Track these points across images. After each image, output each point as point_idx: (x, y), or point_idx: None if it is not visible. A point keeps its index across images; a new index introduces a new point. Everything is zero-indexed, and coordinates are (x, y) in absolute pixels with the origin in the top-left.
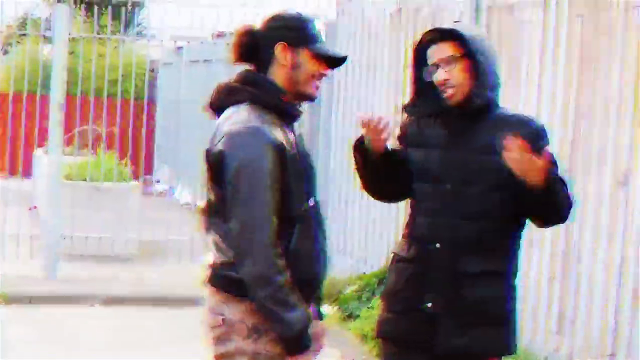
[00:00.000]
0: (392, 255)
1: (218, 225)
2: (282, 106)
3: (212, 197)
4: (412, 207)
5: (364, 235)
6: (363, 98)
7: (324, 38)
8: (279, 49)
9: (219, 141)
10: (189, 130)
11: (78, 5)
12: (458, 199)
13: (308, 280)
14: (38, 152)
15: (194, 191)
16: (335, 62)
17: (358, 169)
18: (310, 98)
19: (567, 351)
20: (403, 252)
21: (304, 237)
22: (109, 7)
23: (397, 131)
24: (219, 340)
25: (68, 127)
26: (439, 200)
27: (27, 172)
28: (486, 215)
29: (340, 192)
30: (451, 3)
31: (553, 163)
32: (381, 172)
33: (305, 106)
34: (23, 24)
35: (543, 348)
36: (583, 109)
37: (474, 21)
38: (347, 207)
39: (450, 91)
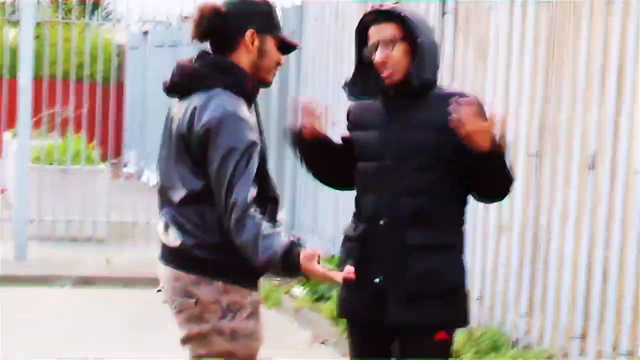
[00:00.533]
0: (342, 236)
1: (193, 209)
2: (250, 92)
3: (189, 182)
4: (357, 186)
5: (334, 216)
6: (331, 82)
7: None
8: (248, 35)
9: (203, 125)
10: (156, 114)
11: None
12: (397, 175)
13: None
14: (6, 136)
15: None
16: (287, 49)
17: (300, 158)
18: (268, 85)
19: (537, 333)
20: (351, 232)
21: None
22: None
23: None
24: (190, 320)
25: (36, 111)
26: (381, 177)
27: None
28: (425, 190)
29: None
30: None
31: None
32: (321, 160)
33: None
34: None
35: (514, 330)
36: (550, 93)
37: (441, 6)
38: (317, 188)
39: (387, 72)
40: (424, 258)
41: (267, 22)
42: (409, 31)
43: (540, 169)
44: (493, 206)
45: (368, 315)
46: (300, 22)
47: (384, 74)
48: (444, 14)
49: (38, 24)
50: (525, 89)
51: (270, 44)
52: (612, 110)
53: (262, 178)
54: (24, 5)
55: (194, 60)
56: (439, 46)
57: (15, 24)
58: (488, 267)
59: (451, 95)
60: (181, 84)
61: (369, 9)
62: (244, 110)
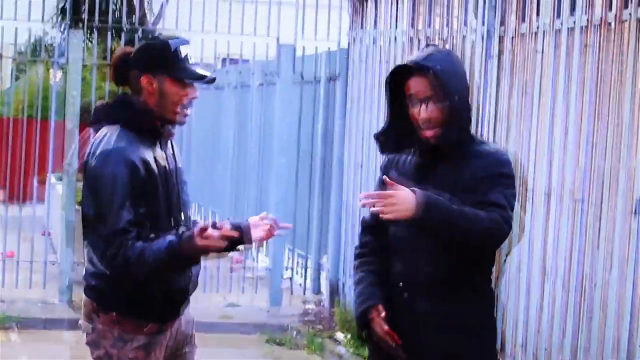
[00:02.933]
0: None
1: (88, 236)
2: (152, 128)
3: (85, 208)
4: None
5: None
6: (375, 124)
7: (191, 60)
8: (144, 80)
9: (94, 158)
10: (201, 155)
11: (90, 31)
12: (417, 239)
13: (173, 292)
14: (52, 179)
15: None
16: (201, 79)
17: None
18: (175, 123)
19: None
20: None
21: None
22: (122, 34)
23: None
24: (92, 344)
25: (80, 154)
26: (404, 241)
27: (30, 198)
28: (442, 257)
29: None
30: (462, 32)
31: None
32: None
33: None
34: (34, 50)
35: None
36: (595, 138)
37: (487, 51)
38: None
39: (429, 131)
40: (442, 337)
41: (159, 64)
42: (442, 87)
43: (586, 214)
44: (537, 251)
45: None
46: (346, 64)
47: (428, 132)
48: (488, 57)
49: (85, 66)
50: (570, 133)
51: (169, 85)
52: None
53: (159, 210)
54: (71, 47)
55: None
56: (471, 95)
57: (64, 67)
58: (532, 314)
59: (481, 152)
60: (94, 120)
61: (405, 60)
62: (131, 145)
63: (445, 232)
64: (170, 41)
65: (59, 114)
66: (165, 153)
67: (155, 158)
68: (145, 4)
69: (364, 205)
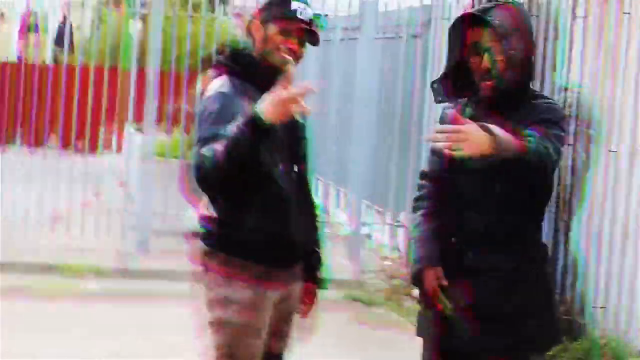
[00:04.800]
0: None
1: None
2: (260, 75)
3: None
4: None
5: None
6: None
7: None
8: (252, 27)
9: (198, 102)
10: None
11: None
12: (468, 189)
13: (274, 234)
14: (130, 129)
15: None
16: (313, 41)
17: None
18: (278, 67)
19: None
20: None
21: (270, 195)
22: None
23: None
24: (202, 288)
25: (161, 105)
26: (455, 191)
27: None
28: (490, 206)
29: None
30: None
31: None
32: None
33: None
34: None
35: (639, 339)
36: None
37: (573, 11)
38: None
39: (486, 82)
40: (488, 281)
41: (266, 12)
42: (501, 42)
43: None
44: (620, 212)
45: (440, 337)
46: (428, 21)
47: (484, 83)
48: (574, 18)
49: (166, 17)
50: None
51: (273, 30)
52: None
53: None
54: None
55: None
56: (536, 47)
57: (144, 17)
58: (613, 275)
59: (536, 105)
60: (208, 69)
61: (466, 11)
62: (233, 92)
63: (509, 161)
64: None
65: (140, 63)
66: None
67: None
68: None
69: (435, 141)
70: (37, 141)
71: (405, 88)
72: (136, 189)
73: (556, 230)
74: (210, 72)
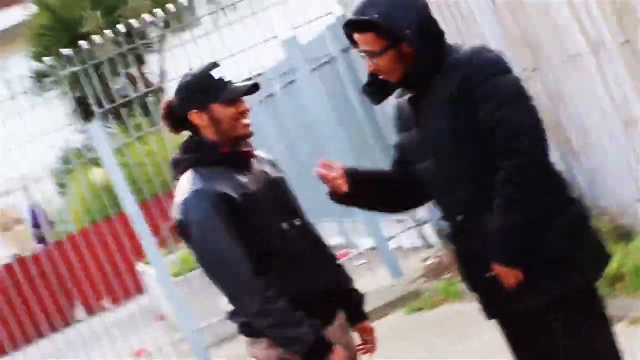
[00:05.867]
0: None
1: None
2: (224, 158)
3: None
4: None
5: None
6: None
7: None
8: (193, 117)
9: (176, 212)
10: None
11: (105, 118)
12: (442, 172)
13: (304, 295)
14: (139, 267)
15: None
16: (254, 90)
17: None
18: (244, 137)
19: None
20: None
21: (286, 259)
22: (137, 105)
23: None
24: None
25: (155, 231)
26: (430, 177)
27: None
28: (473, 176)
29: None
30: None
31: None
32: (370, 200)
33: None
34: (66, 160)
35: None
36: None
37: None
38: None
39: (385, 77)
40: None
41: (205, 94)
42: (390, 37)
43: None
44: None
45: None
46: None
47: (390, 76)
48: None
49: (118, 150)
50: None
51: (219, 110)
52: None
53: (256, 232)
54: (97, 140)
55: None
56: (429, 11)
57: (96, 162)
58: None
59: (459, 60)
60: (172, 177)
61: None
62: (208, 182)
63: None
64: (202, 70)
65: (116, 207)
66: (253, 173)
67: (241, 184)
68: (142, 69)
69: None
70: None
71: (361, 99)
72: (176, 317)
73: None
74: (175, 174)
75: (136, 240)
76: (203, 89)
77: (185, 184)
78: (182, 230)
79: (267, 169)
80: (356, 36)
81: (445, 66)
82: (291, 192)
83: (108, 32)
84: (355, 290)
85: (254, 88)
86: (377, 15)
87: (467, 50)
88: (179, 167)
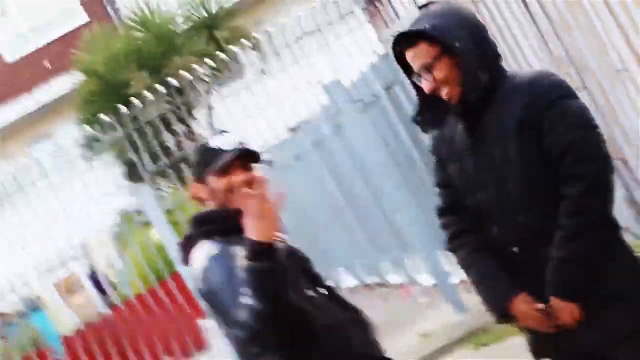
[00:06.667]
0: None
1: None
2: (235, 228)
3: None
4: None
5: None
6: None
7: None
8: (195, 191)
9: (198, 283)
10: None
11: (160, 178)
12: (503, 200)
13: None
14: (203, 323)
15: None
16: (252, 158)
17: None
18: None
19: None
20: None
21: (315, 327)
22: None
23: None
24: None
25: None
26: (490, 207)
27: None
28: (536, 204)
29: None
30: None
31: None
32: None
33: None
34: (122, 224)
35: None
36: None
37: None
38: None
39: (445, 93)
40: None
41: (197, 170)
42: (444, 45)
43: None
44: None
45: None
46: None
47: (445, 96)
48: None
49: (168, 212)
50: None
51: (214, 182)
52: None
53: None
54: (146, 202)
55: None
56: (485, 33)
57: (147, 224)
58: None
59: (522, 83)
60: (183, 257)
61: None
62: (225, 248)
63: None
64: (203, 142)
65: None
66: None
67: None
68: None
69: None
70: None
71: (410, 134)
72: None
73: None
74: (186, 253)
75: (192, 298)
76: (200, 160)
77: (204, 253)
78: (207, 299)
79: (285, 239)
80: (408, 55)
81: (504, 90)
82: (307, 258)
83: (159, 86)
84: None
85: (253, 155)
86: (427, 26)
87: (528, 73)
88: (190, 242)
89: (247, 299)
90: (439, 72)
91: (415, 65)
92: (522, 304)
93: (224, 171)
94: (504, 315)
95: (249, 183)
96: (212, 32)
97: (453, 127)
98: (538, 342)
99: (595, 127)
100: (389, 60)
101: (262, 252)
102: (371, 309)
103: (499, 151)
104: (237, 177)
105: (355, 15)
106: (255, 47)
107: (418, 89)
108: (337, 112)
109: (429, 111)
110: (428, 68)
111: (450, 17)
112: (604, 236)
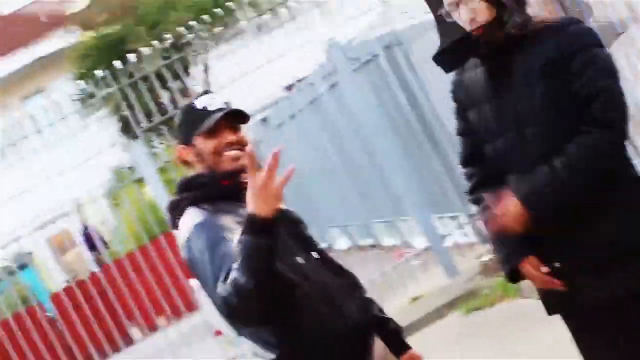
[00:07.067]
0: None
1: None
2: (226, 192)
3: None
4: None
5: None
6: None
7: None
8: (181, 154)
9: (183, 251)
10: (312, 183)
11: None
12: (528, 146)
13: (332, 331)
14: (194, 283)
15: None
16: (241, 119)
17: None
18: (232, 173)
19: None
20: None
21: (306, 294)
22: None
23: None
24: None
25: None
26: (512, 154)
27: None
28: (560, 146)
29: None
30: None
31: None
32: None
33: None
34: (117, 180)
35: None
36: None
37: None
38: None
39: (478, 28)
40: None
41: (186, 128)
42: None
43: None
44: None
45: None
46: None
47: (476, 31)
48: None
49: (161, 170)
50: None
51: (200, 143)
52: None
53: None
54: (139, 159)
55: None
56: None
57: (141, 181)
58: None
59: (554, 28)
60: (171, 222)
61: None
62: (210, 216)
63: (566, 204)
64: (189, 102)
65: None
66: None
67: (243, 217)
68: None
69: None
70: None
71: (407, 96)
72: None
73: None
74: (174, 218)
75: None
76: (186, 122)
77: (189, 221)
78: (193, 268)
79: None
80: None
81: (530, 34)
82: (306, 229)
83: (156, 43)
84: (391, 320)
85: (242, 116)
86: None
87: (555, 19)
88: (177, 208)
89: (233, 273)
90: (477, 4)
91: None
92: (530, 267)
93: (213, 132)
94: (513, 274)
95: (238, 144)
96: None
97: (472, 71)
98: (550, 298)
99: (619, 78)
100: (389, 19)
101: (261, 228)
102: (363, 271)
103: (522, 95)
104: (226, 139)
105: None
106: (252, 3)
107: (442, 25)
108: (334, 70)
109: (452, 51)
110: (459, 3)
111: None
112: (604, 181)
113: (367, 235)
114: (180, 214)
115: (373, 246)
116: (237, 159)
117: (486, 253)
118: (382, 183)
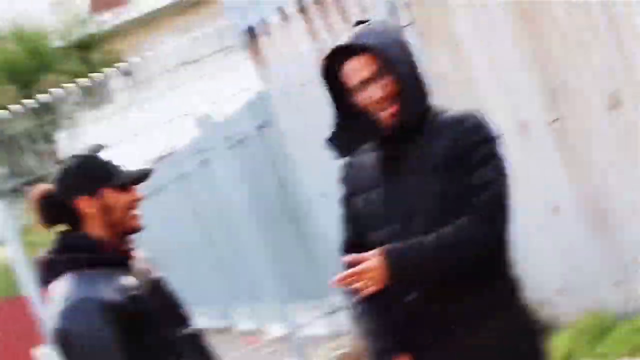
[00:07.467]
0: None
1: None
2: (107, 259)
3: None
4: None
5: None
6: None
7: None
8: (81, 205)
9: (54, 322)
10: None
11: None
12: (404, 237)
13: None
14: (40, 350)
15: None
16: (141, 177)
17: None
18: (135, 230)
19: None
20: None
21: None
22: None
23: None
24: None
25: None
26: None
27: None
28: None
29: None
30: None
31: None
32: None
33: None
34: None
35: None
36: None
37: None
38: None
39: (390, 109)
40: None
41: (93, 180)
42: (386, 61)
43: None
44: None
45: None
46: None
47: (386, 111)
48: None
49: (27, 230)
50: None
51: (111, 196)
52: None
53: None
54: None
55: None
56: (421, 73)
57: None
58: None
59: (452, 122)
60: (41, 279)
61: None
62: (91, 288)
63: (428, 275)
64: (89, 153)
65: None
66: (136, 273)
67: (126, 287)
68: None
69: (340, 286)
70: None
71: (277, 179)
72: None
73: None
74: (46, 277)
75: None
76: (93, 172)
77: (66, 290)
78: (62, 340)
79: (148, 267)
80: (348, 66)
81: (431, 124)
82: (174, 293)
83: (17, 106)
84: None
85: (146, 175)
86: (372, 40)
87: (457, 112)
88: (52, 270)
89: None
90: (380, 89)
91: (355, 77)
92: None
93: (125, 187)
94: None
95: (137, 203)
96: (87, 54)
97: (365, 156)
98: None
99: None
100: (265, 99)
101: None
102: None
103: (414, 184)
104: (135, 195)
105: (236, 51)
106: (128, 73)
107: (339, 109)
108: (206, 146)
109: (346, 135)
110: (368, 83)
111: (393, 37)
112: (476, 277)
113: (224, 317)
114: (55, 274)
115: (229, 329)
116: (139, 218)
117: (342, 346)
118: (243, 265)
